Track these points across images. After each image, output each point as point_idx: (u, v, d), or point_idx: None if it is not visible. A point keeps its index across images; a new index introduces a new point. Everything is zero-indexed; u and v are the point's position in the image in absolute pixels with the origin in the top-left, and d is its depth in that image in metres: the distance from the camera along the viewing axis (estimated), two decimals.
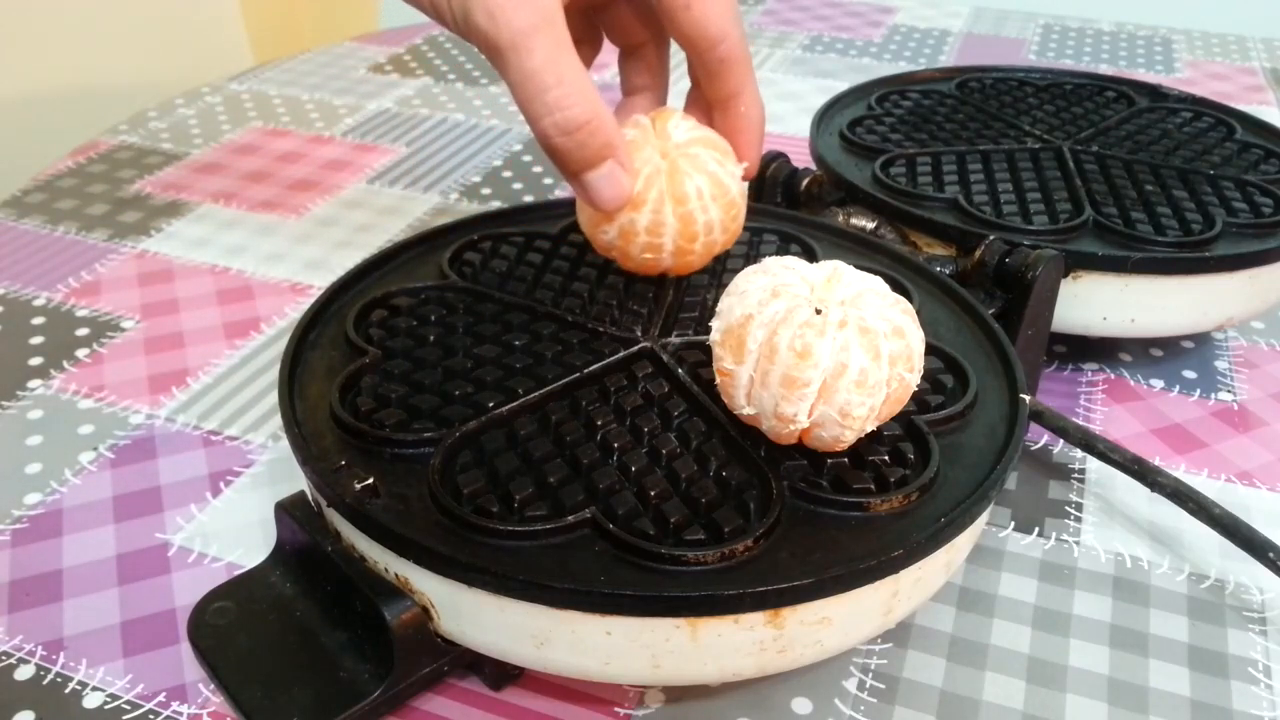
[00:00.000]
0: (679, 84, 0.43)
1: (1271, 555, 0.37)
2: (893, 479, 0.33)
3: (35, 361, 0.51)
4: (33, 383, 0.50)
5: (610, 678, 0.32)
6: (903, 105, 0.62)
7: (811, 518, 0.32)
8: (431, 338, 0.40)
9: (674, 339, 0.40)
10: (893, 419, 0.34)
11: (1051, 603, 0.39)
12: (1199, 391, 0.51)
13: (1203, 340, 0.55)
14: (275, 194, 0.67)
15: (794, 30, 0.99)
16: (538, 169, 0.72)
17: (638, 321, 0.41)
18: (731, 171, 0.41)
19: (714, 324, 0.34)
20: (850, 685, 0.36)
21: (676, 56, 0.43)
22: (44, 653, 0.37)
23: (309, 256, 0.61)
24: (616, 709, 0.35)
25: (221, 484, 0.44)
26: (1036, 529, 0.43)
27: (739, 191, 0.41)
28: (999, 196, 0.51)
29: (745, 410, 0.33)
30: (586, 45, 0.45)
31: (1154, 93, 0.64)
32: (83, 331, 0.54)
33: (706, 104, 0.43)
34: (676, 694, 0.36)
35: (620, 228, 0.40)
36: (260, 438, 0.47)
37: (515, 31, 0.35)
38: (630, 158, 0.39)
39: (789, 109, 0.81)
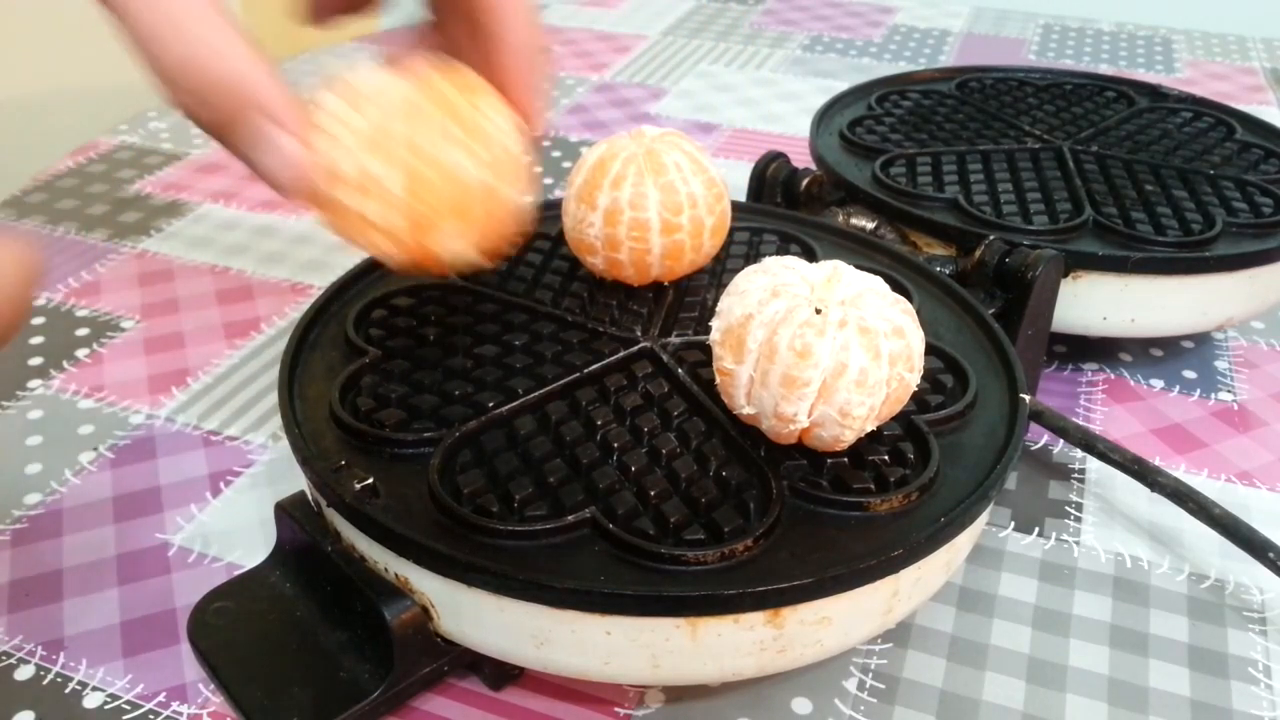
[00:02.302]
0: None
1: (1271, 555, 0.37)
2: (893, 479, 0.33)
3: (35, 361, 0.51)
4: (33, 383, 0.50)
5: (610, 678, 0.32)
6: (903, 105, 0.62)
7: (811, 518, 0.32)
8: (431, 338, 0.40)
9: (674, 339, 0.40)
10: (893, 419, 0.34)
11: (1051, 603, 0.39)
12: (1199, 391, 0.51)
13: (1203, 340, 0.55)
14: (275, 194, 0.67)
15: (794, 30, 0.99)
16: (538, 169, 0.72)
17: (637, 321, 0.41)
18: (708, 161, 0.41)
19: (714, 324, 0.34)
20: (850, 685, 0.36)
21: None
22: (44, 653, 0.37)
23: (309, 256, 0.61)
24: (616, 709, 0.35)
25: (221, 484, 0.44)
26: (1036, 529, 0.43)
27: (719, 177, 0.39)
28: (999, 196, 0.51)
29: (745, 410, 0.33)
30: None
31: (1154, 93, 0.64)
32: (83, 331, 0.54)
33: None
34: (676, 694, 0.36)
35: (605, 234, 0.40)
36: (260, 438, 0.47)
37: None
38: (295, 112, 0.29)
39: (789, 109, 0.81)
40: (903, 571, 0.32)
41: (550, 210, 0.49)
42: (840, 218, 0.51)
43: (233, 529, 0.42)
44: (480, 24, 0.32)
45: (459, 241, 0.30)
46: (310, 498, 0.36)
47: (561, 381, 0.37)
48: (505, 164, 0.30)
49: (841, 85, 0.81)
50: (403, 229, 0.29)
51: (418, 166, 0.28)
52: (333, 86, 0.30)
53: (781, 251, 0.47)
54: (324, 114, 0.30)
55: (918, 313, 0.34)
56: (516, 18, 0.32)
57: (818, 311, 0.32)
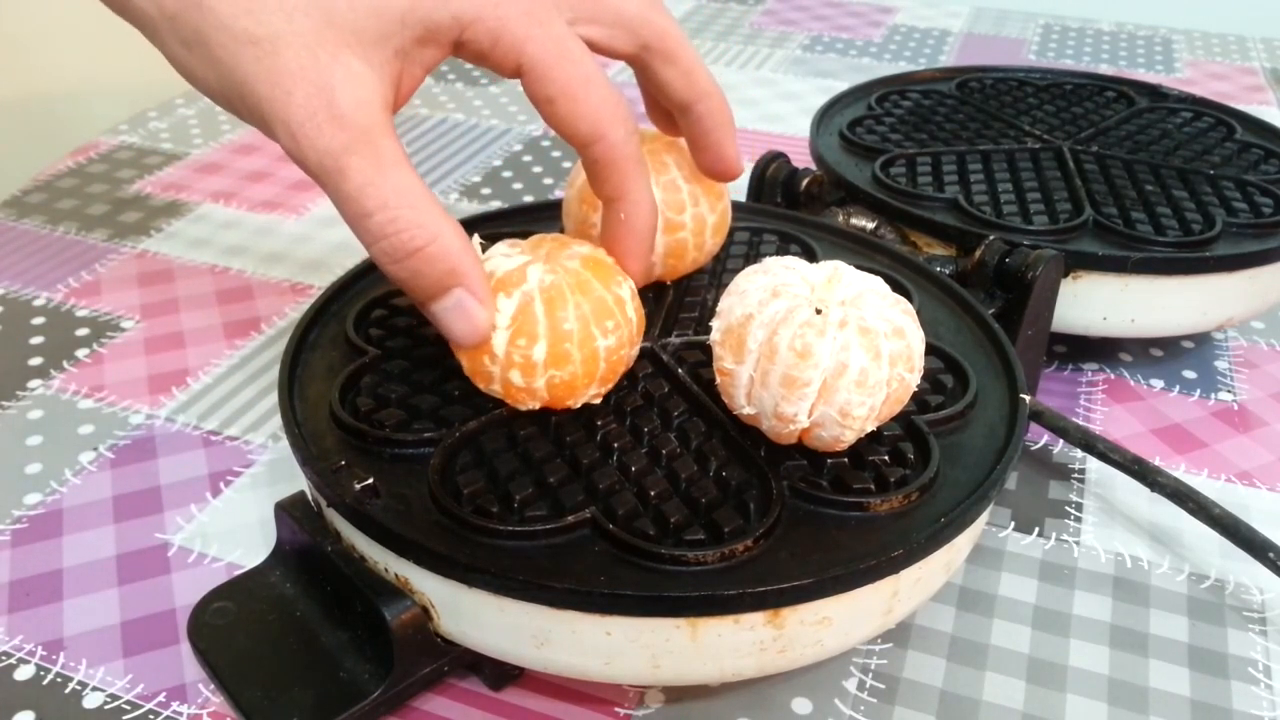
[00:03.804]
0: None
1: (1271, 555, 0.37)
2: (893, 479, 0.33)
3: (35, 361, 0.51)
4: (33, 383, 0.50)
5: (610, 678, 0.32)
6: (903, 105, 0.62)
7: (811, 518, 0.32)
8: (431, 338, 0.40)
9: (674, 339, 0.40)
10: (893, 419, 0.34)
11: (1051, 603, 0.39)
12: (1199, 391, 0.51)
13: (1203, 340, 0.55)
14: (275, 194, 0.67)
15: (794, 30, 0.99)
16: (538, 169, 0.72)
17: None
18: None
19: (714, 324, 0.34)
20: (850, 685, 0.36)
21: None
22: (44, 653, 0.37)
23: (309, 256, 0.61)
24: (616, 709, 0.35)
25: (221, 484, 0.44)
26: (1036, 529, 0.43)
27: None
28: (999, 196, 0.51)
29: (745, 410, 0.33)
30: None
31: (1154, 93, 0.64)
32: (83, 331, 0.54)
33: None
34: (676, 694, 0.36)
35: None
36: (260, 438, 0.47)
37: (322, 154, 0.30)
38: (484, 285, 0.33)
39: (789, 109, 0.81)
40: (903, 572, 0.32)
41: (551, 211, 0.49)
42: (840, 218, 0.51)
43: (233, 529, 0.42)
44: (610, 211, 0.37)
45: (586, 393, 0.35)
46: (310, 498, 0.36)
47: None
48: (625, 328, 0.35)
49: (841, 85, 0.81)
50: (541, 390, 0.34)
51: (556, 344, 0.34)
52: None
53: (781, 251, 0.47)
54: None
55: (918, 313, 0.34)
56: (643, 206, 0.36)
57: (818, 312, 0.32)
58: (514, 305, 0.34)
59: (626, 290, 0.36)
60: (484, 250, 0.36)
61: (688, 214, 0.40)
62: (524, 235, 0.37)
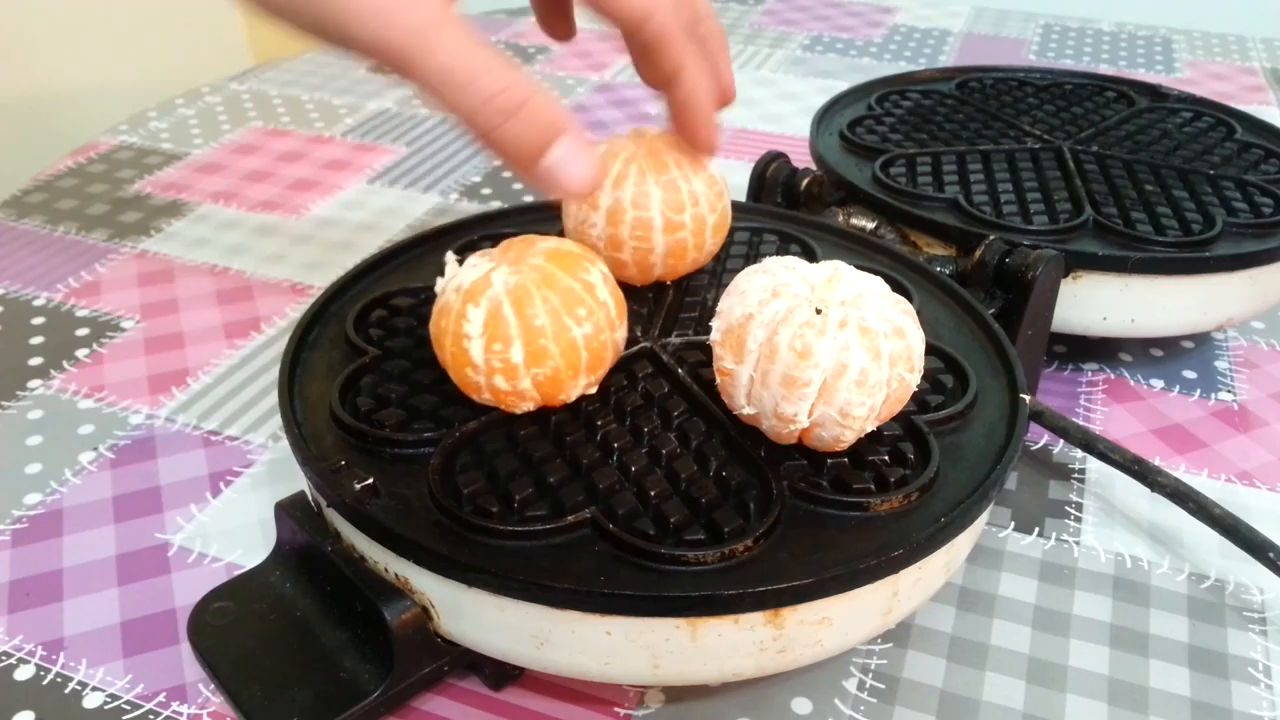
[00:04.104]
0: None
1: (1271, 555, 0.37)
2: (893, 479, 0.33)
3: (35, 361, 0.51)
4: (33, 383, 0.50)
5: (610, 678, 0.32)
6: (903, 105, 0.62)
7: (811, 518, 0.32)
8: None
9: (674, 339, 0.40)
10: (893, 419, 0.34)
11: (1051, 603, 0.39)
12: (1199, 391, 0.51)
13: (1203, 340, 0.55)
14: (275, 194, 0.67)
15: (794, 30, 0.99)
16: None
17: (638, 321, 0.41)
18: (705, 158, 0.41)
19: (714, 324, 0.34)
20: (850, 685, 0.36)
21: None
22: (44, 653, 0.37)
23: (309, 256, 0.61)
24: (616, 709, 0.35)
25: (221, 484, 0.44)
26: (1036, 529, 0.43)
27: (719, 174, 0.41)
28: (999, 196, 0.51)
29: (745, 410, 0.33)
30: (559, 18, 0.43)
31: (1154, 93, 0.63)
32: (83, 331, 0.54)
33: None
34: (676, 694, 0.36)
35: (608, 234, 0.40)
36: (260, 438, 0.47)
37: (411, 32, 0.31)
38: (583, 135, 0.34)
39: (789, 109, 0.81)
40: (903, 572, 0.32)
41: (551, 211, 0.49)
42: (840, 218, 0.51)
43: (233, 529, 0.42)
44: (673, 87, 0.38)
45: (575, 384, 0.35)
46: (310, 498, 0.36)
47: None
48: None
49: (841, 85, 0.81)
50: (529, 390, 0.35)
51: (531, 342, 0.34)
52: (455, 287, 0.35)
53: (781, 252, 0.47)
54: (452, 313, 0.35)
55: (918, 313, 0.34)
56: (703, 73, 0.38)
57: (818, 312, 0.32)
58: (483, 312, 0.34)
59: (596, 274, 0.36)
60: (459, 264, 0.36)
61: (687, 214, 0.40)
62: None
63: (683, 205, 0.40)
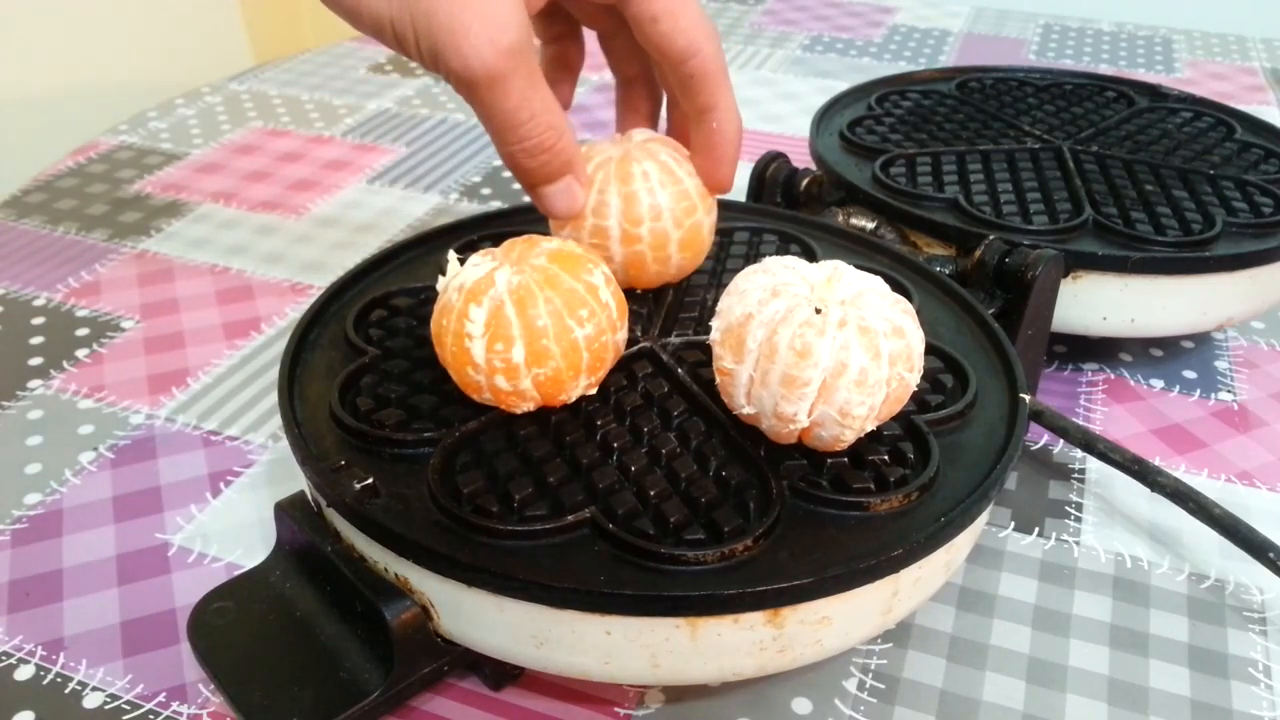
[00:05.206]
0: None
1: (1271, 555, 0.37)
2: (893, 479, 0.33)
3: (35, 361, 0.51)
4: (33, 383, 0.50)
5: (610, 678, 0.32)
6: (903, 105, 0.62)
7: (811, 517, 0.32)
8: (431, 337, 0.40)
9: (674, 339, 0.40)
10: (893, 419, 0.34)
11: (1051, 603, 0.39)
12: (1199, 391, 0.51)
13: (1203, 340, 0.55)
14: (275, 194, 0.67)
15: (794, 30, 0.99)
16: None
17: (637, 321, 0.41)
18: (689, 170, 0.41)
19: (714, 323, 0.34)
20: (850, 685, 0.36)
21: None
22: (44, 653, 0.37)
23: (309, 256, 0.61)
24: (616, 709, 0.35)
25: (221, 484, 0.44)
26: (1036, 529, 0.43)
27: (697, 189, 0.41)
28: (999, 196, 0.51)
29: (745, 410, 0.33)
30: (569, 41, 0.45)
31: (1154, 93, 0.64)
32: (83, 331, 0.54)
33: (684, 121, 0.43)
34: (676, 694, 0.36)
35: (573, 237, 0.40)
36: (260, 438, 0.47)
37: (490, 74, 0.35)
38: (585, 172, 0.40)
39: (789, 109, 0.81)
40: (902, 571, 0.32)
41: None
42: (840, 218, 0.51)
43: (233, 529, 0.42)
44: (704, 121, 0.41)
45: (576, 385, 0.36)
46: (310, 498, 0.36)
47: None
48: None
49: (841, 85, 0.81)
50: (529, 390, 0.35)
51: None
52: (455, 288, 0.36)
53: (781, 251, 0.47)
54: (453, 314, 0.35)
55: (918, 313, 0.34)
56: (732, 114, 0.41)
57: (818, 311, 0.32)
58: (485, 312, 0.34)
59: (599, 276, 0.36)
60: (460, 264, 0.36)
61: (644, 228, 0.40)
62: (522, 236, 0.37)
63: (640, 219, 0.40)
